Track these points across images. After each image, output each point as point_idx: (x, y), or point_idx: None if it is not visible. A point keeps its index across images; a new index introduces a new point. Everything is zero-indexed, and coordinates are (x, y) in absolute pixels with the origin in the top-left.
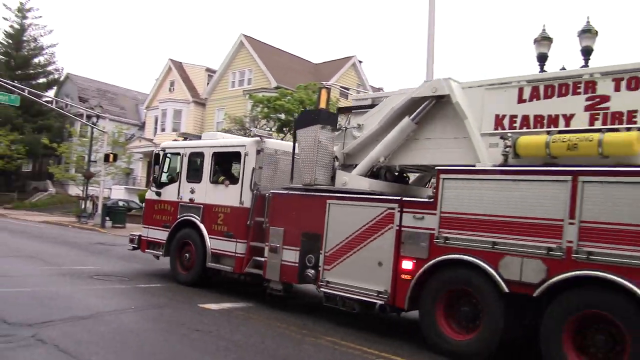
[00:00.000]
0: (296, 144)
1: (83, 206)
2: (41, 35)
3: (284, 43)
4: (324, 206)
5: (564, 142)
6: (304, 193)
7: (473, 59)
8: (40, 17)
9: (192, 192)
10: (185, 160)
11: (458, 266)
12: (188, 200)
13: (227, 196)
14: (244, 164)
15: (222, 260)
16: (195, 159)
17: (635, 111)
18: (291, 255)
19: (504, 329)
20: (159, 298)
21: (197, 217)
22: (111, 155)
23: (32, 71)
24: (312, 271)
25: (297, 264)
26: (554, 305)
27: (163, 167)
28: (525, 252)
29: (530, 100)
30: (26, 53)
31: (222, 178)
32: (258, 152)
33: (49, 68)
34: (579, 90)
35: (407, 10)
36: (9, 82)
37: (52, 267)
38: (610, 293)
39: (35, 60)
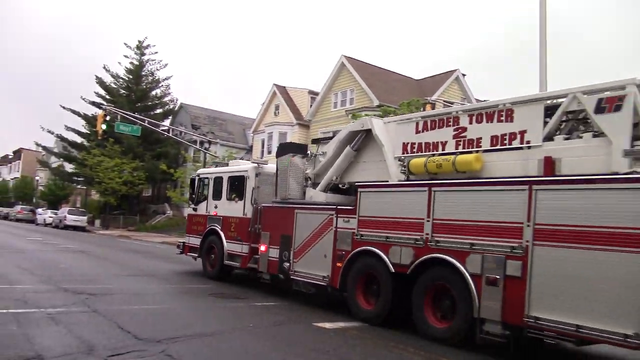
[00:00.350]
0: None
1: None
2: (157, 70)
3: (384, 61)
4: (293, 215)
5: (434, 162)
6: (281, 205)
7: (596, 61)
8: (156, 52)
9: (216, 207)
10: (212, 183)
11: (367, 255)
12: (213, 214)
13: (237, 209)
14: (245, 185)
15: (234, 258)
16: (218, 181)
17: (481, 138)
18: (274, 253)
19: (392, 299)
20: (275, 316)
21: (218, 226)
22: None
23: (150, 103)
24: (287, 264)
25: (277, 259)
26: (418, 280)
27: (198, 189)
28: (403, 242)
29: (422, 131)
30: (145, 87)
31: (233, 195)
32: (256, 175)
33: (165, 99)
34: (449, 124)
35: (515, 18)
36: (130, 114)
37: (174, 285)
38: (447, 269)
39: (153, 92)
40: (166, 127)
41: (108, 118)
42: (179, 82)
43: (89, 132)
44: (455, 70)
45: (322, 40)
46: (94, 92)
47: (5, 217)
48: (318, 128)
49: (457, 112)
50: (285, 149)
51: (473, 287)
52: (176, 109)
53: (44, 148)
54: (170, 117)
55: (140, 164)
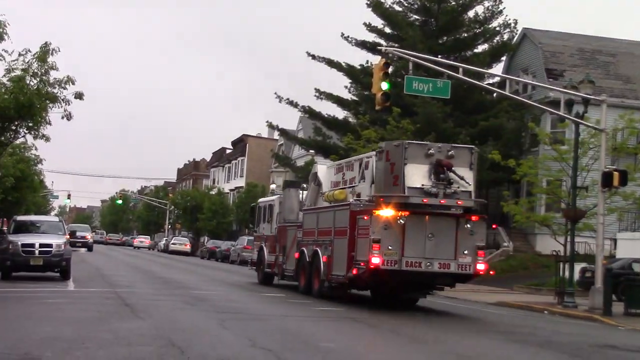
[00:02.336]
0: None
1: (563, 274)
2: None
3: None
4: (286, 231)
5: (333, 194)
6: (282, 225)
7: None
8: None
9: (263, 228)
10: (261, 210)
11: (302, 253)
12: (262, 233)
13: (270, 229)
14: (273, 211)
15: (270, 266)
16: (263, 208)
17: (347, 180)
18: (280, 258)
19: (308, 277)
20: None
21: (263, 242)
22: (616, 175)
23: (464, 35)
24: (284, 265)
25: (282, 263)
26: (312, 264)
27: (256, 215)
28: (310, 242)
29: (334, 174)
30: (453, 4)
31: (268, 218)
32: (280, 203)
33: (492, 25)
34: (340, 170)
35: None
36: (430, 58)
37: None
38: (318, 256)
39: (469, 14)
40: (497, 79)
41: (391, 69)
42: None
43: (356, 98)
44: None
45: None
46: (364, 23)
47: (225, 257)
48: None
49: (342, 164)
50: (286, 185)
51: (322, 263)
52: (514, 41)
53: (282, 132)
54: (504, 59)
55: None
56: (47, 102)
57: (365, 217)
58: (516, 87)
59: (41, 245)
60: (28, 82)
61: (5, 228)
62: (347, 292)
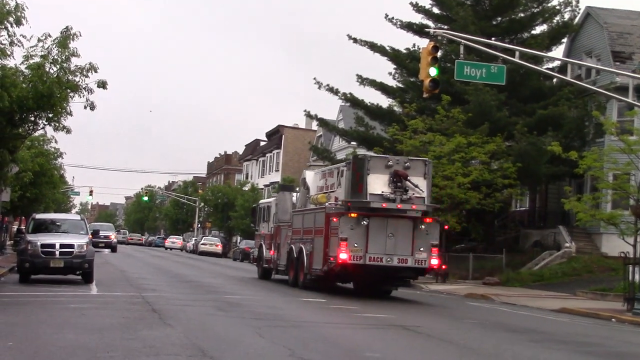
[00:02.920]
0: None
1: (633, 278)
2: None
3: None
4: (280, 230)
5: (317, 198)
6: (277, 225)
7: None
8: None
9: (263, 227)
10: (261, 210)
11: (290, 250)
12: (262, 232)
13: (268, 228)
14: (271, 212)
15: (268, 262)
16: (263, 209)
17: (328, 185)
18: (276, 255)
19: (295, 271)
20: None
21: (262, 240)
22: None
23: (520, 15)
24: (278, 261)
25: (276, 258)
26: (298, 259)
27: (258, 215)
28: (298, 240)
29: (320, 179)
30: None
31: (266, 219)
32: (276, 205)
33: (551, 3)
34: (324, 176)
35: None
36: (483, 40)
37: None
38: (302, 252)
39: None
40: (557, 63)
41: (440, 54)
42: None
43: (401, 85)
44: None
45: None
46: (410, 3)
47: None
48: None
49: (326, 171)
50: (281, 188)
51: (305, 258)
52: (576, 21)
53: (321, 122)
54: (565, 41)
55: (506, 145)
56: (68, 91)
57: (335, 219)
58: (578, 72)
59: (62, 246)
60: (48, 69)
61: (23, 227)
62: (332, 284)
